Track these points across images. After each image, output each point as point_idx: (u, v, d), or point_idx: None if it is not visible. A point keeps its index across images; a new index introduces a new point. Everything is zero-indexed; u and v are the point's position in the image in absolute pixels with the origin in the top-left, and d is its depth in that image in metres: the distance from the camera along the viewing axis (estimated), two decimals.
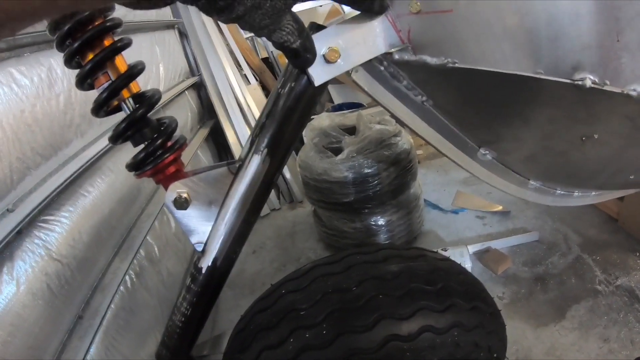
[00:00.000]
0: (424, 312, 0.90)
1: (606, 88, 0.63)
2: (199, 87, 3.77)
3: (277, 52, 4.81)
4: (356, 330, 0.89)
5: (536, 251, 2.46)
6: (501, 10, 0.65)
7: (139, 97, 0.85)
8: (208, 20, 3.53)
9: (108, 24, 0.79)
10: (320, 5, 4.65)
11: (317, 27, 0.79)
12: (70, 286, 1.46)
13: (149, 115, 0.87)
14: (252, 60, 4.20)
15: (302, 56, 0.65)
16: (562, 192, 1.18)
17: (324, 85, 0.79)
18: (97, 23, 0.77)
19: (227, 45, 3.87)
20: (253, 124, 3.50)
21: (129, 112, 0.83)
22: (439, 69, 0.72)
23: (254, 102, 3.59)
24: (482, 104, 0.85)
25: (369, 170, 2.36)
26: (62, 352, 1.36)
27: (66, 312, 1.44)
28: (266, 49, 4.87)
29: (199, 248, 0.92)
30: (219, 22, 3.83)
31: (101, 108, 0.82)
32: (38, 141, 1.49)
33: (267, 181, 0.89)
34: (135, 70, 0.82)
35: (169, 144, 0.85)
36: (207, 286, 0.94)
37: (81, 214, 1.61)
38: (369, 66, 0.83)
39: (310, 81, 0.74)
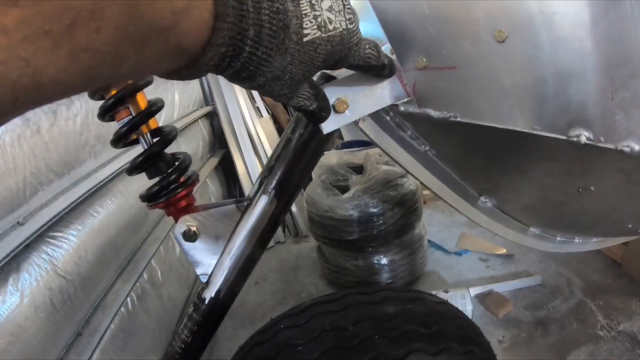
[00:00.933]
0: (418, 354, 0.90)
1: (600, 144, 0.65)
2: (212, 117, 3.82)
3: None
4: None
5: (538, 295, 2.45)
6: (500, 70, 0.68)
7: (157, 132, 0.88)
8: None
9: None
10: None
11: (328, 78, 0.83)
12: (72, 303, 1.48)
13: (164, 150, 0.90)
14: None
15: (317, 116, 0.68)
16: (562, 239, 1.19)
17: (332, 134, 0.82)
18: None
19: None
20: (263, 156, 3.54)
21: (146, 147, 0.86)
22: (442, 122, 0.75)
23: (264, 134, 3.63)
24: (482, 155, 0.87)
25: (374, 210, 2.38)
26: None
27: (66, 328, 1.45)
28: None
29: (204, 279, 0.93)
30: None
31: (120, 141, 0.85)
32: (53, 159, 1.52)
33: (273, 221, 0.91)
34: (154, 108, 0.85)
35: (182, 179, 0.88)
36: (209, 316, 0.96)
37: (89, 233, 1.63)
38: (375, 116, 0.86)
39: (319, 130, 0.77)
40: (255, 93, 3.97)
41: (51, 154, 1.51)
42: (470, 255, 2.95)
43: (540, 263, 2.72)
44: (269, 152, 3.55)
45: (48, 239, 1.44)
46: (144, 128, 0.84)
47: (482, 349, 1.05)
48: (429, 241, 2.99)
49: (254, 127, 3.57)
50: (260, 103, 4.00)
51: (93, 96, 0.85)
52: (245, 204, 0.92)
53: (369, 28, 0.79)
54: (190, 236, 0.88)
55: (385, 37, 0.75)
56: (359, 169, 2.66)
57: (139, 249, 2.06)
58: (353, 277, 2.60)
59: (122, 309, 1.74)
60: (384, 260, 2.54)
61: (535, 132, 0.68)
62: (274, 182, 0.90)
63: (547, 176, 0.84)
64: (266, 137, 3.62)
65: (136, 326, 1.83)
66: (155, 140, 0.86)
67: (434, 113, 0.75)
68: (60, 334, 1.42)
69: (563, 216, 1.05)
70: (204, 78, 3.69)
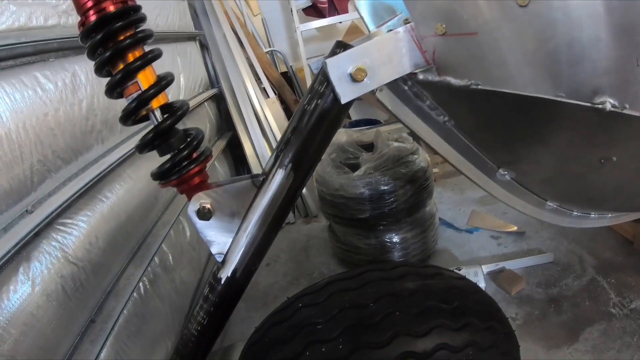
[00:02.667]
0: (440, 330, 0.89)
1: (626, 112, 0.64)
2: (218, 99, 3.80)
3: (296, 67, 4.84)
4: (372, 346, 0.88)
5: (550, 272, 2.43)
6: (523, 34, 0.67)
7: (167, 108, 0.86)
8: (229, 33, 3.56)
9: (140, 35, 0.80)
10: (340, 22, 4.68)
11: (344, 46, 0.80)
12: (85, 289, 1.47)
13: (176, 126, 0.87)
14: (271, 74, 4.23)
15: None
16: (578, 214, 1.18)
17: (350, 103, 0.80)
18: (129, 34, 0.78)
19: (247, 58, 3.90)
20: (270, 137, 3.52)
21: (156, 123, 0.84)
22: (462, 90, 0.74)
23: (271, 115, 3.61)
24: (503, 126, 0.86)
25: (386, 188, 2.36)
26: (72, 355, 1.37)
27: (79, 315, 1.45)
28: (285, 64, 4.90)
29: (219, 259, 0.92)
30: (239, 36, 3.88)
31: (130, 117, 0.84)
32: (59, 145, 1.50)
33: (290, 196, 0.89)
34: (164, 82, 0.83)
35: (195, 155, 0.86)
36: (225, 296, 0.95)
37: (99, 219, 1.62)
38: (393, 85, 0.84)
39: (336, 99, 0.75)
40: (261, 73, 3.94)
41: (58, 140, 1.49)
42: (481, 233, 2.94)
43: (552, 241, 2.70)
44: (277, 133, 3.53)
45: (58, 226, 1.43)
46: (153, 103, 0.82)
47: (502, 325, 1.04)
48: (439, 219, 2.97)
49: (260, 108, 3.55)
50: (266, 84, 3.98)
51: (100, 72, 0.83)
52: (261, 179, 0.90)
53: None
54: (204, 214, 0.86)
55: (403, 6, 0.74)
56: (368, 147, 2.64)
57: (149, 233, 2.05)
58: (365, 256, 2.59)
59: (135, 294, 1.74)
60: (396, 239, 2.52)
61: (559, 99, 0.67)
62: (291, 155, 0.88)
63: (569, 146, 0.83)
64: (273, 118, 3.60)
65: (149, 311, 1.83)
66: (165, 115, 0.84)
67: (454, 81, 0.74)
68: (74, 321, 1.41)
69: (582, 189, 1.03)
70: (208, 60, 3.67)
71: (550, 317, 2.12)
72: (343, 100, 0.74)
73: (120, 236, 1.75)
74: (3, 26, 1.37)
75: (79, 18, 0.83)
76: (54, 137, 1.47)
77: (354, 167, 2.48)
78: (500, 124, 0.85)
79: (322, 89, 0.82)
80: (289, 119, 4.13)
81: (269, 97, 3.93)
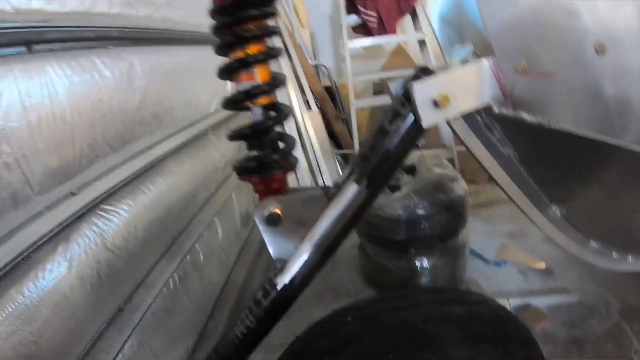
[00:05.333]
0: (484, 356, 0.88)
1: None
2: None
3: (339, 82, 4.87)
4: None
5: (575, 313, 2.38)
6: (598, 81, 0.70)
7: (271, 106, 0.87)
8: (278, 42, 3.60)
9: (270, 29, 0.82)
10: (388, 43, 4.71)
11: (427, 71, 0.81)
12: (118, 277, 1.48)
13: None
14: (315, 87, 4.26)
15: None
16: (617, 257, 1.18)
17: (428, 128, 0.81)
18: (258, 24, 0.80)
19: (294, 69, 3.93)
20: (309, 149, 3.53)
21: (258, 118, 0.84)
22: (533, 127, 0.76)
23: (312, 128, 3.62)
24: (565, 163, 0.88)
25: (423, 212, 2.35)
26: (98, 340, 1.38)
27: (110, 302, 1.46)
28: (329, 78, 4.93)
29: (279, 265, 0.92)
30: (287, 46, 3.91)
31: (234, 104, 0.85)
32: (110, 132, 1.52)
33: (360, 211, 0.89)
34: (278, 81, 0.85)
35: (284, 161, 0.87)
36: (278, 303, 0.94)
37: (140, 209, 1.64)
38: (467, 115, 0.86)
39: (417, 122, 0.76)
40: (305, 84, 3.98)
41: (109, 127, 1.52)
42: (509, 267, 2.89)
43: (579, 281, 2.64)
44: (316, 146, 3.54)
45: (99, 212, 1.45)
46: (262, 99, 0.84)
47: (539, 357, 1.03)
48: (469, 249, 2.95)
49: (302, 119, 3.57)
50: (310, 96, 4.01)
51: (219, 51, 0.84)
52: (333, 191, 0.90)
53: (472, 27, 0.82)
54: (274, 220, 0.87)
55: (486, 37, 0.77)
56: (408, 169, 2.64)
57: (184, 230, 2.06)
58: (393, 278, 2.57)
59: (164, 288, 1.75)
60: (426, 264, 2.50)
61: (625, 146, 0.69)
62: (366, 172, 0.87)
63: (624, 189, 0.85)
64: (314, 131, 3.61)
65: (175, 306, 1.84)
66: (269, 113, 0.85)
67: (528, 117, 0.76)
68: (103, 308, 1.42)
69: (627, 232, 1.04)
70: None
71: (572, 357, 2.08)
72: (424, 125, 0.76)
73: (158, 229, 1.77)
74: (68, 8, 1.40)
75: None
76: (105, 123, 1.50)
77: (393, 189, 2.47)
78: (562, 162, 0.88)
79: (404, 111, 0.82)
80: (329, 134, 4.17)
81: (311, 109, 3.95)
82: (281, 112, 0.88)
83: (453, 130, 0.88)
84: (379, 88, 5.01)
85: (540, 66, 0.72)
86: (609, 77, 0.69)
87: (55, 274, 1.22)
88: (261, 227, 0.88)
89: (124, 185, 1.57)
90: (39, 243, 1.18)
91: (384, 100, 4.18)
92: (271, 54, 0.83)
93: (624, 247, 1.16)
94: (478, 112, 0.83)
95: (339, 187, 0.89)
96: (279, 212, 0.86)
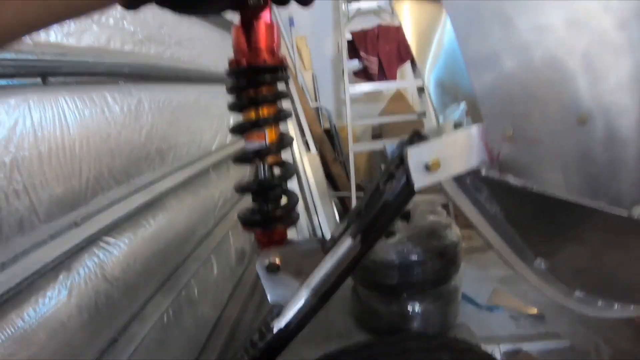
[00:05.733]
0: None
1: None
2: None
3: (339, 125, 4.93)
4: None
5: (567, 358, 2.41)
6: (578, 149, 0.78)
7: (278, 164, 0.92)
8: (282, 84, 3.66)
9: (280, 92, 0.89)
10: (388, 89, 4.79)
11: (421, 136, 0.89)
12: (115, 308, 1.51)
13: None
14: (315, 130, 4.32)
15: None
16: (603, 304, 1.22)
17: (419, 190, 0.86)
18: (270, 89, 0.85)
19: (295, 110, 3.99)
20: (307, 191, 3.57)
21: (265, 176, 0.89)
22: (518, 189, 0.81)
23: (310, 169, 3.67)
24: (548, 221, 0.93)
25: (416, 258, 2.39)
26: None
27: (105, 332, 1.48)
28: (329, 121, 5.00)
29: (276, 310, 0.96)
30: (289, 87, 3.99)
31: (243, 160, 0.90)
32: (116, 166, 1.57)
33: (354, 263, 0.94)
34: (285, 142, 0.90)
35: (286, 217, 0.91)
36: (273, 346, 0.98)
37: (139, 243, 1.68)
38: (456, 177, 0.91)
39: (409, 184, 0.82)
40: (305, 126, 4.04)
41: (115, 161, 1.56)
42: (501, 312, 2.92)
43: (571, 326, 2.66)
44: (313, 187, 3.58)
45: (101, 243, 1.48)
46: (269, 157, 0.89)
47: None
48: (461, 294, 2.97)
49: (301, 160, 3.61)
50: (309, 138, 4.06)
51: (232, 108, 0.89)
52: (329, 244, 0.94)
53: (467, 92, 0.88)
54: (273, 268, 0.91)
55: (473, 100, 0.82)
56: (403, 215, 2.68)
57: (181, 264, 2.09)
58: (384, 321, 2.59)
59: (159, 321, 1.77)
60: (418, 309, 2.52)
61: (601, 208, 0.76)
62: (361, 227, 0.93)
63: (604, 246, 0.91)
64: (312, 173, 3.65)
65: (168, 339, 1.85)
66: (275, 170, 0.91)
67: (513, 181, 0.81)
68: (99, 337, 1.44)
69: (609, 283, 1.10)
70: None
71: None
72: (416, 187, 0.82)
73: (156, 263, 1.80)
74: (84, 43, 1.46)
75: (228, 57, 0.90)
76: (112, 157, 1.54)
77: (388, 234, 2.51)
78: (545, 221, 0.93)
79: (398, 173, 0.88)
80: (327, 175, 4.21)
81: (310, 151, 4.00)
82: (287, 170, 0.93)
83: (442, 189, 0.94)
84: (378, 131, 5.08)
85: (526, 133, 0.78)
86: (588, 144, 0.76)
87: (55, 301, 1.25)
88: (261, 274, 0.92)
89: (126, 219, 1.61)
90: (42, 271, 1.20)
91: (381, 145, 4.24)
92: (280, 117, 0.88)
93: (609, 296, 1.20)
94: (467, 174, 0.88)
95: (335, 240, 0.94)
96: (278, 261, 0.91)
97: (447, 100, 1.20)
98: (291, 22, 4.89)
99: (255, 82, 0.85)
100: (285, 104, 3.60)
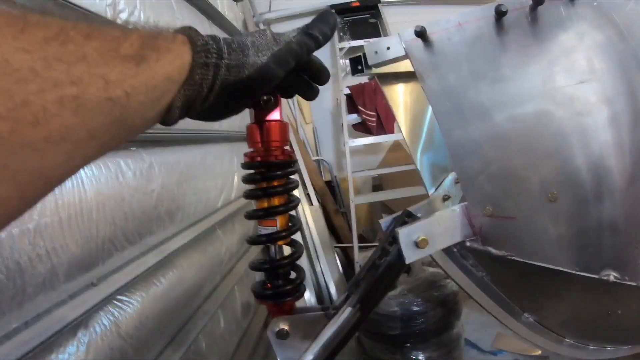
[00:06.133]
0: None
1: (625, 282, 0.85)
2: None
3: (339, 177, 5.02)
4: None
5: None
6: (550, 224, 0.88)
7: (289, 244, 1.02)
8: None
9: (291, 185, 0.98)
10: (386, 141, 4.88)
11: (411, 216, 1.03)
12: None
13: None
14: (316, 182, 4.41)
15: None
16: (595, 348, 1.29)
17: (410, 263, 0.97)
18: (281, 181, 0.95)
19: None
20: (310, 244, 3.65)
21: (275, 256, 0.99)
22: (500, 258, 0.92)
23: (313, 222, 3.74)
24: (529, 283, 1.03)
25: (417, 308, 2.46)
26: None
27: None
28: (330, 173, 5.08)
29: None
30: (291, 143, 4.09)
31: (257, 243, 0.99)
32: (129, 228, 1.66)
33: (354, 328, 1.03)
34: (295, 228, 1.00)
35: (295, 291, 1.01)
36: None
37: (151, 300, 1.75)
38: (445, 248, 1.02)
39: (401, 258, 0.93)
40: (307, 180, 4.12)
41: (128, 223, 1.65)
42: (505, 356, 2.94)
43: None
44: (316, 239, 3.65)
45: (116, 302, 1.55)
46: (279, 241, 0.98)
47: None
48: (465, 339, 3.00)
49: (303, 213, 3.69)
50: (311, 191, 4.15)
51: (248, 196, 0.99)
52: (332, 312, 1.04)
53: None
54: (282, 335, 1.00)
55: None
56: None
57: (189, 320, 2.15)
58: None
59: None
60: (422, 357, 2.57)
61: (574, 272, 0.88)
62: (359, 297, 1.02)
63: (582, 302, 1.02)
64: (314, 225, 3.72)
65: None
66: (286, 253, 1.00)
67: (494, 251, 0.92)
68: None
69: (595, 331, 1.20)
70: None
71: None
72: (407, 262, 0.94)
73: (166, 319, 1.86)
74: None
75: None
76: (126, 220, 1.63)
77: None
78: (527, 282, 1.03)
79: (391, 249, 0.99)
80: (329, 228, 4.28)
81: (312, 204, 4.09)
82: (296, 250, 1.03)
83: (434, 259, 1.04)
84: (378, 181, 5.17)
85: (504, 211, 0.89)
86: (560, 219, 0.88)
87: (74, 357, 1.31)
88: (272, 340, 1.01)
89: (139, 278, 1.69)
90: (63, 329, 1.28)
91: (381, 196, 4.33)
92: (291, 207, 0.98)
93: (599, 340, 1.27)
94: (454, 245, 0.99)
95: (337, 308, 1.04)
96: (287, 328, 1.00)
97: (437, 172, 1.31)
98: None
99: (268, 176, 0.94)
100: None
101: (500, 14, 0.89)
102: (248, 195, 0.97)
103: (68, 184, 1.36)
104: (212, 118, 0.75)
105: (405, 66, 1.02)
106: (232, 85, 0.68)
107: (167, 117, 0.63)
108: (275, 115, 0.91)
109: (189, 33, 0.64)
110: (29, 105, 0.38)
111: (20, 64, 0.38)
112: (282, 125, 0.93)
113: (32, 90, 0.38)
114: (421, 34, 0.93)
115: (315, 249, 3.68)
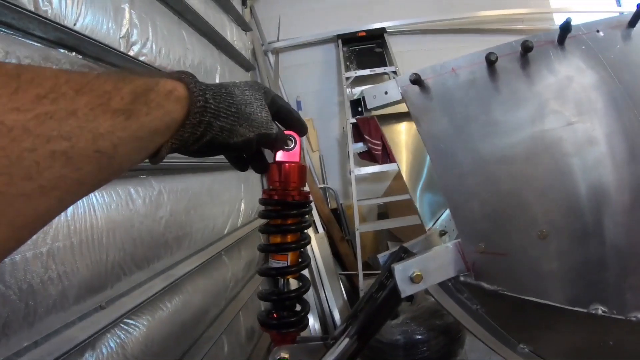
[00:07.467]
0: None
1: (613, 316, 0.88)
2: None
3: (345, 204, 5.05)
4: None
5: None
6: (540, 260, 0.93)
7: (297, 278, 1.07)
8: None
9: (304, 224, 1.03)
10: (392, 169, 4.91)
11: (407, 252, 1.09)
12: None
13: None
14: (322, 210, 4.44)
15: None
16: None
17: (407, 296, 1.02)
18: (295, 220, 1.01)
19: None
20: (315, 272, 3.69)
21: (282, 289, 1.04)
22: (493, 292, 0.97)
23: (319, 251, 3.77)
24: (522, 316, 1.06)
25: (420, 337, 2.47)
26: None
27: None
28: (336, 201, 5.10)
29: None
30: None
31: (267, 275, 1.04)
32: (138, 253, 1.71)
33: (352, 358, 1.07)
34: (304, 264, 1.05)
35: (299, 323, 1.05)
36: None
37: (157, 324, 1.79)
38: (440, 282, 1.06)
39: (397, 293, 0.98)
40: (314, 207, 4.15)
41: (137, 249, 1.71)
42: None
43: None
44: (321, 267, 3.68)
45: (122, 325, 1.60)
46: (288, 276, 1.03)
47: None
48: None
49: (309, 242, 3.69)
50: (317, 219, 4.19)
51: (262, 231, 1.04)
52: (331, 342, 1.09)
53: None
54: None
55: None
56: (406, 298, 2.76)
57: (194, 344, 2.18)
58: None
59: None
60: None
61: (564, 306, 0.92)
62: (357, 328, 1.08)
63: (574, 334, 1.05)
64: (320, 254, 3.75)
65: None
66: (293, 286, 1.05)
67: (486, 286, 0.97)
68: None
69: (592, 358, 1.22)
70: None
71: None
72: (402, 296, 0.98)
73: (172, 343, 1.91)
74: None
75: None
76: (134, 246, 1.69)
77: (393, 316, 2.60)
78: (520, 315, 1.06)
79: (387, 283, 1.04)
80: (334, 255, 4.30)
81: (318, 232, 4.12)
82: (304, 284, 1.08)
83: (430, 293, 1.08)
84: (383, 209, 5.19)
85: (496, 248, 0.94)
86: (550, 257, 0.92)
87: None
88: None
89: (146, 302, 1.73)
90: (71, 349, 1.32)
91: (386, 224, 4.35)
92: (302, 244, 1.03)
93: None
94: (449, 279, 1.03)
95: (335, 339, 1.09)
96: (287, 357, 1.04)
97: (436, 207, 1.36)
98: (299, 105, 5.11)
99: (283, 214, 0.99)
100: None
101: (490, 62, 0.95)
102: (263, 230, 1.02)
103: (80, 210, 1.42)
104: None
105: (405, 107, 1.07)
106: (219, 144, 0.76)
107: (154, 160, 0.68)
108: (294, 157, 0.97)
109: (188, 85, 0.68)
110: (23, 161, 0.42)
111: (14, 124, 0.42)
112: (301, 168, 0.98)
113: (25, 147, 0.42)
114: (416, 81, 0.99)
115: (320, 276, 3.70)
